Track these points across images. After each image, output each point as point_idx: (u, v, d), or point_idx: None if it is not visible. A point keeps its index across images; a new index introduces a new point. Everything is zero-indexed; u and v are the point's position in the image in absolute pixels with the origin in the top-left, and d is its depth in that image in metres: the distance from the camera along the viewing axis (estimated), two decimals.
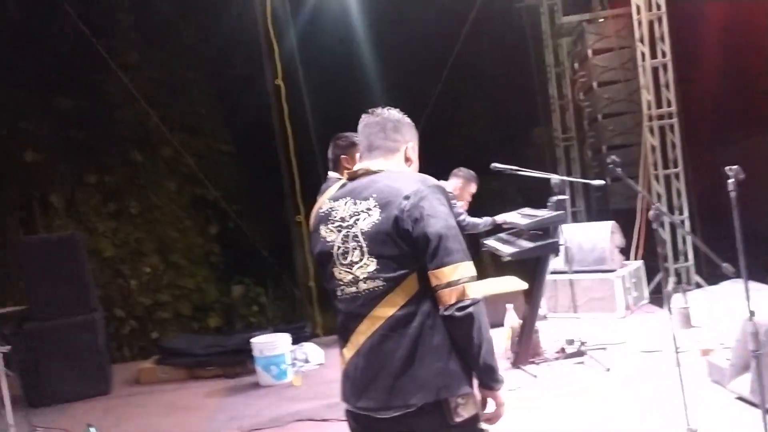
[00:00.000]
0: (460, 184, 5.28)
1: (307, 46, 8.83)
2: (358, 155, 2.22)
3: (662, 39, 7.77)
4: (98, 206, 8.91)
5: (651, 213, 3.44)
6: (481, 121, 12.24)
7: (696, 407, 3.83)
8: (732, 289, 6.58)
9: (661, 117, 7.85)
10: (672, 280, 7.51)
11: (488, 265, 8.12)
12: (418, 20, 10.06)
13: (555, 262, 5.58)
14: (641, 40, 7.80)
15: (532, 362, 5.22)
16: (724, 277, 7.25)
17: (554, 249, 4.96)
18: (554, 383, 4.81)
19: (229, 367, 6.28)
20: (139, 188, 9.28)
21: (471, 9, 9.07)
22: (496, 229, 5.64)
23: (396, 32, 10.03)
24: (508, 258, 4.88)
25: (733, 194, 2.56)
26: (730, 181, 2.56)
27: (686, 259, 7.76)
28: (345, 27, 9.41)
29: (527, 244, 4.97)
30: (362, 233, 1.96)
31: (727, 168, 2.57)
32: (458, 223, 4.88)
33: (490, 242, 5.47)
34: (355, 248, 1.97)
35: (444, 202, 1.98)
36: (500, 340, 5.62)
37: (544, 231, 4.98)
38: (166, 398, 5.84)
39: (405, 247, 1.92)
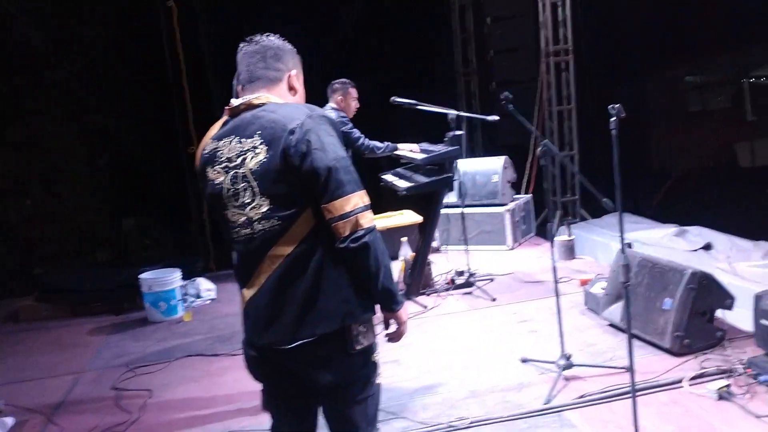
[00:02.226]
0: (340, 96, 5.10)
1: None
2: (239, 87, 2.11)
3: None
4: None
5: (539, 150, 3.53)
6: (386, 54, 12.06)
7: (571, 334, 4.10)
8: (612, 222, 7.00)
9: (557, 53, 8.02)
10: (558, 213, 7.87)
11: (386, 198, 8.17)
12: None
13: (449, 196, 5.68)
14: None
15: (423, 293, 5.37)
16: (608, 211, 7.71)
17: (448, 184, 5.02)
18: (442, 312, 4.97)
19: (117, 304, 6.06)
20: (20, 114, 8.56)
21: None
22: (394, 163, 5.66)
23: None
24: (404, 192, 4.92)
25: (614, 132, 2.64)
26: (612, 119, 2.63)
27: (573, 194, 8.14)
28: None
29: (422, 179, 5.01)
30: (251, 173, 1.89)
31: (609, 106, 2.63)
32: (358, 146, 4.87)
33: (388, 177, 5.49)
34: (246, 189, 1.91)
35: (331, 132, 1.92)
36: (395, 273, 5.74)
37: (440, 166, 5.04)
38: (49, 336, 5.58)
39: (296, 183, 1.86)
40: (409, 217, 6.76)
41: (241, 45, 2.06)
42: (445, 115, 5.10)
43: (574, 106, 8.09)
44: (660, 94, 15.42)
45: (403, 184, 5.05)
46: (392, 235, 6.33)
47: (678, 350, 3.61)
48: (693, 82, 16.01)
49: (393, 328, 2.08)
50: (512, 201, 6.88)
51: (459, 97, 10.71)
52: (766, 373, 3.12)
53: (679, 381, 3.31)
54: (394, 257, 5.71)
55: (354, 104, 5.11)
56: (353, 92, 5.09)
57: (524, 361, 3.86)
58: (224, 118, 2.07)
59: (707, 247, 5.52)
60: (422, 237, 5.38)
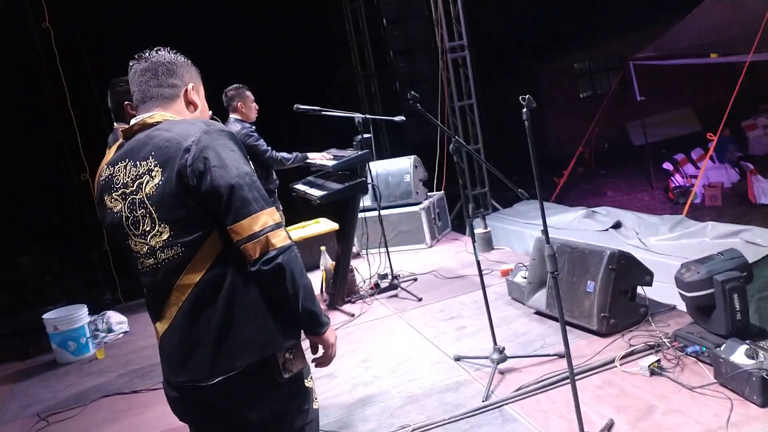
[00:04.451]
0: (239, 102, 4.83)
1: None
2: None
3: None
4: None
5: (451, 146, 3.49)
6: (282, 62, 11.88)
7: (500, 325, 4.10)
8: (523, 210, 7.14)
9: (453, 50, 8.11)
10: (471, 206, 7.97)
11: (300, 208, 8.00)
12: None
13: (364, 199, 5.59)
14: None
15: (349, 301, 5.26)
16: (516, 200, 7.88)
17: (363, 188, 4.93)
18: (370, 318, 4.88)
19: (20, 349, 5.60)
20: None
21: None
22: (304, 171, 5.51)
23: None
24: (318, 201, 4.79)
25: (527, 123, 2.61)
26: (524, 110, 2.61)
27: (483, 186, 8.26)
28: None
29: (336, 186, 4.90)
30: (148, 198, 1.74)
31: (520, 97, 2.61)
32: (266, 159, 4.67)
33: (299, 186, 5.34)
34: (145, 216, 1.75)
35: (233, 147, 1.77)
36: (317, 284, 5.61)
37: (352, 171, 4.94)
38: None
39: (196, 206, 1.72)
40: (325, 225, 6.63)
41: (131, 63, 1.89)
42: (352, 119, 5.02)
43: (474, 101, 8.20)
44: (552, 83, 16.05)
45: (316, 192, 4.91)
46: (310, 245, 6.20)
47: (605, 331, 3.67)
48: (582, 69, 16.76)
49: (321, 352, 1.96)
50: (426, 199, 6.88)
51: (361, 101, 10.68)
52: (692, 345, 3.21)
53: (612, 362, 3.36)
54: (315, 267, 5.57)
55: (254, 107, 4.90)
56: (249, 95, 4.86)
57: (458, 359, 3.81)
58: (119, 141, 1.89)
59: (617, 225, 5.71)
60: (341, 244, 5.26)
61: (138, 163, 1.76)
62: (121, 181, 1.79)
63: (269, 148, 4.77)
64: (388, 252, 5.48)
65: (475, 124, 8.27)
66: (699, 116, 15.02)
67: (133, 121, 1.86)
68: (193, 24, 8.80)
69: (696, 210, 8.01)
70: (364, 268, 5.68)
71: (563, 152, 13.77)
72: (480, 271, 3.58)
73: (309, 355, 1.94)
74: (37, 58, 7.41)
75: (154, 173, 1.73)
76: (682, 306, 3.62)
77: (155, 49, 1.91)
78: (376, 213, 5.55)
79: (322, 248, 5.49)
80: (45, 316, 5.34)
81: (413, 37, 8.98)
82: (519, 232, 6.30)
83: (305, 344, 1.89)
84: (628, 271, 3.74)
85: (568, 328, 3.80)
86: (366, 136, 4.98)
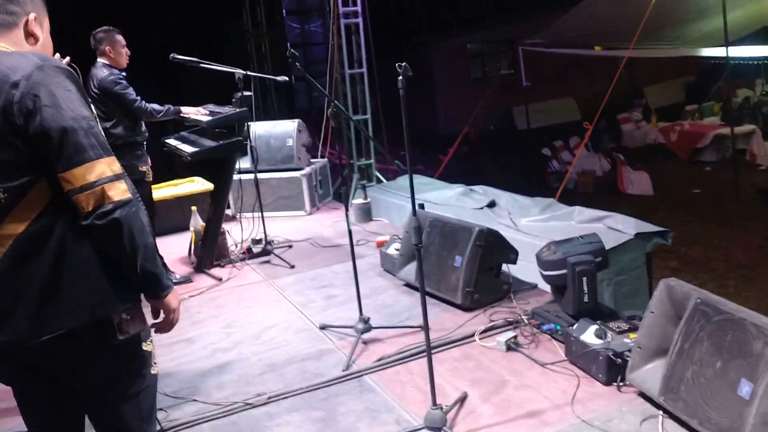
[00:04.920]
0: (107, 45, 4.38)
1: None
2: None
3: None
4: None
5: (329, 110, 3.40)
6: (167, 10, 11.26)
7: (369, 296, 4.09)
8: (406, 184, 7.18)
9: (347, 15, 7.95)
10: (356, 177, 7.92)
11: (177, 165, 7.63)
12: None
13: (242, 161, 5.39)
14: None
15: (218, 265, 5.07)
16: (400, 174, 7.92)
17: (239, 148, 4.74)
18: (238, 284, 4.74)
19: None
20: None
21: None
22: (180, 126, 5.23)
23: None
24: (189, 158, 4.54)
25: (402, 92, 2.55)
26: (399, 78, 2.55)
27: (369, 157, 8.23)
28: None
29: (210, 143, 4.67)
30: None
31: (396, 64, 2.54)
32: (133, 108, 4.35)
33: (171, 141, 5.04)
34: None
35: (69, 86, 1.60)
36: (185, 245, 5.37)
37: (230, 129, 4.73)
38: None
39: (22, 147, 1.53)
40: (199, 184, 6.35)
41: None
42: (232, 74, 4.79)
43: (365, 71, 8.11)
44: (445, 62, 16.27)
45: (188, 149, 4.66)
46: (182, 204, 5.91)
47: (469, 305, 3.74)
48: (474, 50, 17.08)
49: (162, 317, 1.83)
50: (309, 165, 6.75)
51: (250, 59, 10.33)
52: (548, 323, 3.32)
53: (472, 335, 3.42)
54: (186, 228, 5.33)
55: (125, 52, 4.49)
56: (120, 39, 4.44)
57: (323, 327, 3.76)
58: None
59: (491, 204, 5.84)
60: (214, 205, 5.05)
61: None
62: None
63: (138, 98, 4.43)
64: (263, 216, 5.32)
65: (364, 94, 8.19)
66: (579, 105, 15.77)
67: None
68: None
69: (568, 194, 8.39)
70: (238, 232, 5.49)
71: (450, 131, 14.03)
72: (351, 240, 3.54)
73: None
74: None
75: None
76: (543, 286, 3.74)
77: None
78: (254, 175, 5.37)
79: (194, 208, 5.25)
80: None
81: None
82: (399, 205, 6.32)
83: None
84: (494, 248, 3.82)
85: (434, 301, 3.88)
86: (246, 93, 4.77)
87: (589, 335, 2.97)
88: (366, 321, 3.55)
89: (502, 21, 15.25)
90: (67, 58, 2.81)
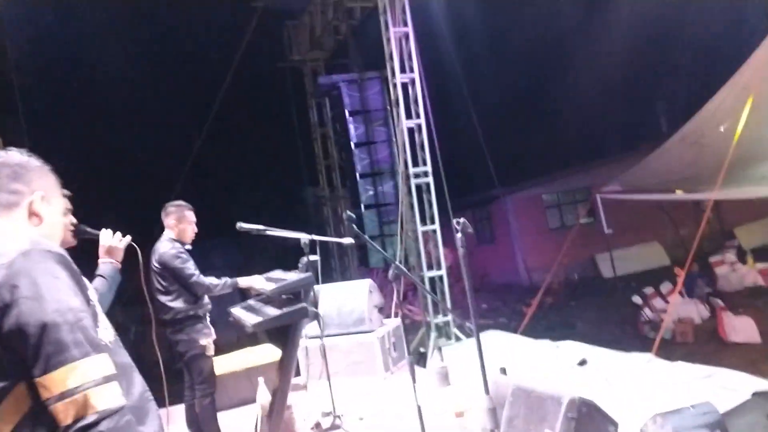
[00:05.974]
0: (174, 220, 4.48)
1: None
2: None
3: (416, 101, 8.02)
4: None
5: (390, 272, 3.17)
6: (246, 181, 11.89)
7: None
8: (488, 340, 6.73)
9: (417, 175, 8.02)
10: (433, 335, 7.53)
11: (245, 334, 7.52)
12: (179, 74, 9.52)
13: (314, 327, 5.18)
14: (396, 102, 7.97)
15: None
16: (485, 328, 7.51)
17: (304, 314, 4.52)
18: None
19: None
20: None
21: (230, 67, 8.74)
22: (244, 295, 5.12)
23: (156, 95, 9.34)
24: (251, 329, 4.34)
25: (461, 250, 2.31)
26: (458, 235, 2.32)
27: (446, 314, 7.87)
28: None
29: (273, 312, 4.46)
30: None
31: (454, 221, 2.33)
32: (190, 284, 4.26)
33: (236, 311, 4.89)
34: None
35: (58, 273, 1.41)
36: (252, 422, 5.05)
37: (295, 295, 4.56)
38: None
39: None
40: (270, 353, 6.14)
41: None
42: (299, 240, 4.71)
43: (437, 225, 8.01)
44: (521, 212, 16.16)
45: (251, 319, 4.47)
46: (250, 375, 5.67)
47: None
48: (550, 200, 16.97)
49: None
50: (381, 326, 6.46)
51: (327, 222, 10.54)
52: None
53: None
54: (254, 400, 5.04)
55: (191, 229, 4.53)
56: (189, 215, 4.52)
57: None
58: None
59: (582, 362, 5.32)
60: (280, 375, 4.76)
61: None
62: None
63: (197, 272, 4.37)
64: (330, 387, 4.98)
65: (438, 248, 8.02)
66: (666, 250, 15.08)
67: None
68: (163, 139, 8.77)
69: (666, 345, 7.66)
70: (308, 403, 5.15)
71: (532, 282, 13.58)
72: (421, 418, 3.15)
73: None
74: None
75: None
76: None
77: (7, 148, 1.61)
78: (325, 340, 5.11)
79: (261, 379, 4.99)
80: None
81: (378, 160, 9.00)
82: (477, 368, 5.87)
83: None
84: (589, 420, 3.31)
85: None
86: (312, 258, 4.64)
87: None
88: None
89: (576, 169, 15.21)
90: (128, 238, 2.73)
